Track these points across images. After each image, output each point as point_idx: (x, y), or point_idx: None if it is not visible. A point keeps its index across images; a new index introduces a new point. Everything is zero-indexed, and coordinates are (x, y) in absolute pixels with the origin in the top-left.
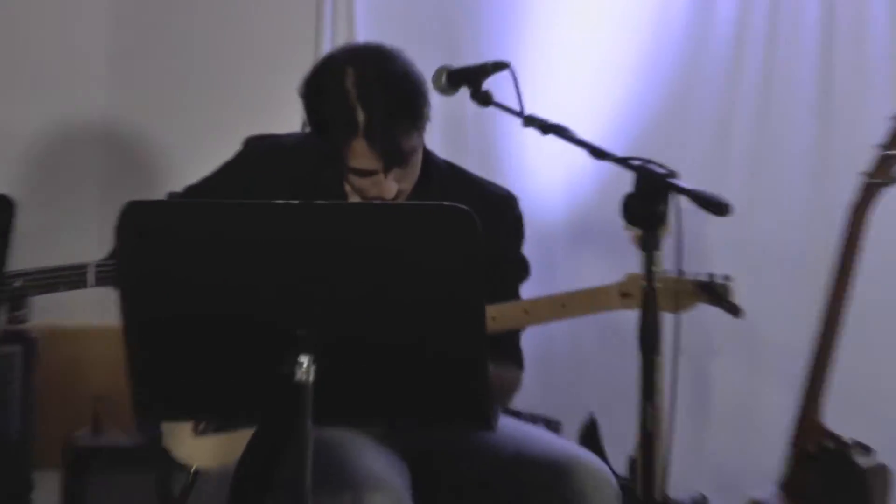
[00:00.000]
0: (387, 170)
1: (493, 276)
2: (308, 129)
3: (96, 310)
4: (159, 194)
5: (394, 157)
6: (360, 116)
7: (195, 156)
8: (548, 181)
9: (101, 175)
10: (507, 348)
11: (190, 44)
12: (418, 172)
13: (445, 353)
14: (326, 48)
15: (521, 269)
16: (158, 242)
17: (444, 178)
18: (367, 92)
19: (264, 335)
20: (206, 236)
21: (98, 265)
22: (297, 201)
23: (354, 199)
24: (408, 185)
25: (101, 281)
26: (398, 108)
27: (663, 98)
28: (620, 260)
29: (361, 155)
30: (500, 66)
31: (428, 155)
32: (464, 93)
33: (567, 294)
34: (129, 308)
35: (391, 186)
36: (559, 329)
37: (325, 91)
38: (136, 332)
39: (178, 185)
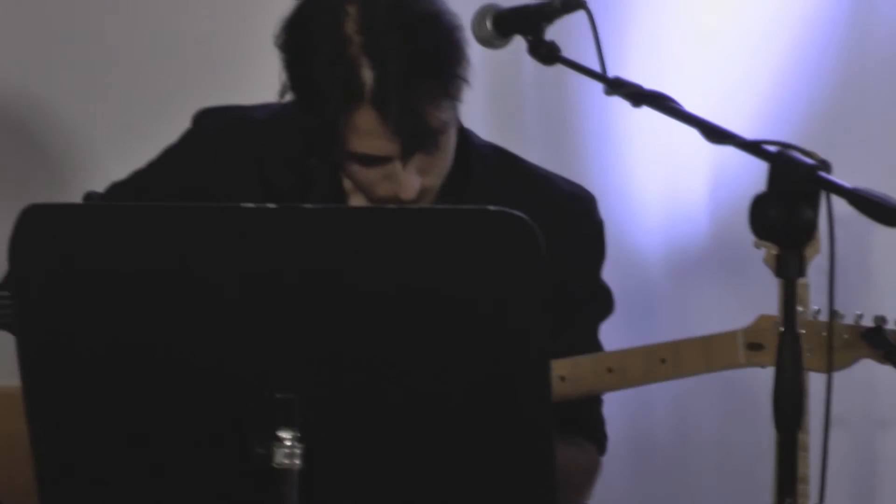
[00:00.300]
0: (406, 155)
1: (561, 312)
2: (287, 98)
3: None
4: (75, 196)
5: (416, 136)
6: (367, 75)
7: (126, 143)
8: (643, 178)
9: None
10: (582, 420)
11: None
12: (450, 162)
13: (489, 423)
14: None
15: (600, 303)
16: (72, 263)
17: (488, 170)
18: (376, 39)
19: (228, 400)
20: (141, 254)
21: None
22: (272, 204)
23: (357, 200)
24: (435, 180)
25: None
26: (422, 62)
27: (821, 96)
28: (748, 293)
29: (368, 132)
30: (573, 4)
31: (466, 137)
32: (518, 45)
33: (670, 344)
34: (31, 361)
35: (412, 181)
36: (658, 393)
37: (313, 39)
38: (41, 397)
39: (101, 183)
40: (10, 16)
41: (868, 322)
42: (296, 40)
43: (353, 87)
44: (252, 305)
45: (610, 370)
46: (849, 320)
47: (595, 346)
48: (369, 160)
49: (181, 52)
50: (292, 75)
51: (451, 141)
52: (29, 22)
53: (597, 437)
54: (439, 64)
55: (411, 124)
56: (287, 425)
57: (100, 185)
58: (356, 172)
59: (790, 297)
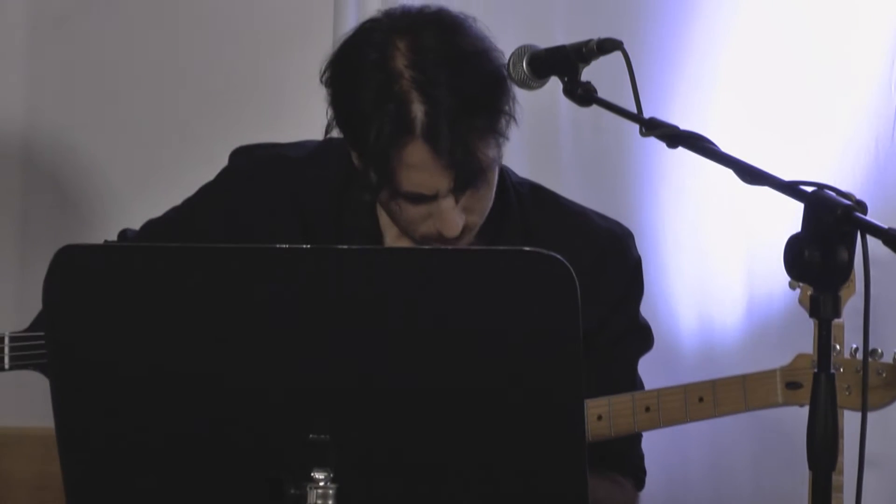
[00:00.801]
0: (457, 191)
1: (601, 349)
2: (333, 134)
3: (14, 405)
4: (100, 237)
5: (466, 173)
6: (418, 109)
7: (157, 184)
8: (675, 214)
9: (20, 212)
10: (620, 455)
11: (143, 28)
12: (491, 201)
13: (523, 462)
14: (351, 22)
15: (639, 338)
16: (105, 303)
17: (526, 207)
18: (426, 74)
19: (260, 441)
20: (173, 294)
21: (15, 338)
22: (307, 245)
23: (392, 236)
24: (477, 217)
25: (19, 360)
26: (472, 98)
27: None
28: (788, 333)
29: (419, 168)
30: (609, 45)
31: (504, 174)
32: (556, 84)
33: (708, 383)
34: (64, 400)
35: (456, 219)
36: (692, 432)
37: (362, 74)
38: (74, 437)
39: (135, 221)
40: (42, 59)
41: None
42: (344, 76)
43: (404, 121)
44: (285, 345)
45: (647, 409)
46: (887, 359)
47: (634, 381)
48: (418, 198)
49: (213, 92)
50: (340, 111)
51: (495, 179)
52: (61, 66)
53: (634, 473)
54: (488, 100)
55: (463, 159)
56: (321, 466)
57: (132, 223)
58: (401, 209)
59: (825, 338)
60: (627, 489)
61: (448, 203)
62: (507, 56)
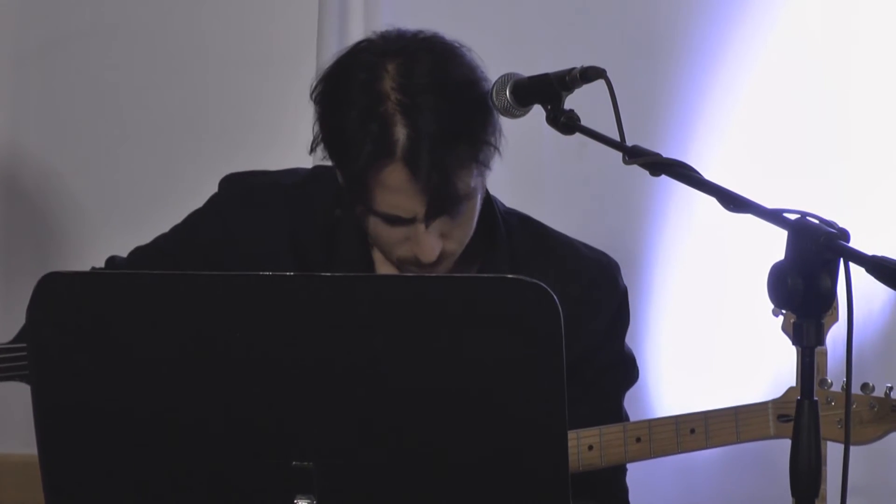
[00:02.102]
0: (430, 217)
1: (586, 379)
2: (315, 153)
3: None
4: (85, 263)
5: (443, 197)
6: (400, 133)
7: (142, 210)
8: (659, 242)
9: (3, 239)
10: (605, 485)
11: (127, 56)
12: (472, 230)
13: (508, 495)
14: (334, 48)
15: (625, 370)
16: (89, 330)
17: (513, 237)
18: (412, 98)
19: (243, 468)
20: (157, 321)
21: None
22: (292, 273)
23: (384, 265)
24: (456, 245)
25: (5, 372)
26: (456, 125)
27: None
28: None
29: (396, 189)
30: (592, 73)
31: (491, 203)
32: (536, 114)
33: (700, 414)
34: (48, 427)
35: (432, 245)
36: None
37: (350, 93)
38: (57, 465)
39: (122, 248)
40: (27, 86)
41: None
42: (332, 94)
43: (385, 143)
44: (269, 372)
45: (638, 440)
46: (878, 393)
47: (619, 413)
48: (393, 219)
49: (198, 119)
50: (325, 127)
51: (476, 209)
52: (45, 94)
53: (620, 499)
54: (472, 129)
55: (439, 185)
56: (304, 493)
57: (120, 250)
58: (379, 231)
59: (808, 366)
60: None
61: (423, 228)
62: (490, 79)
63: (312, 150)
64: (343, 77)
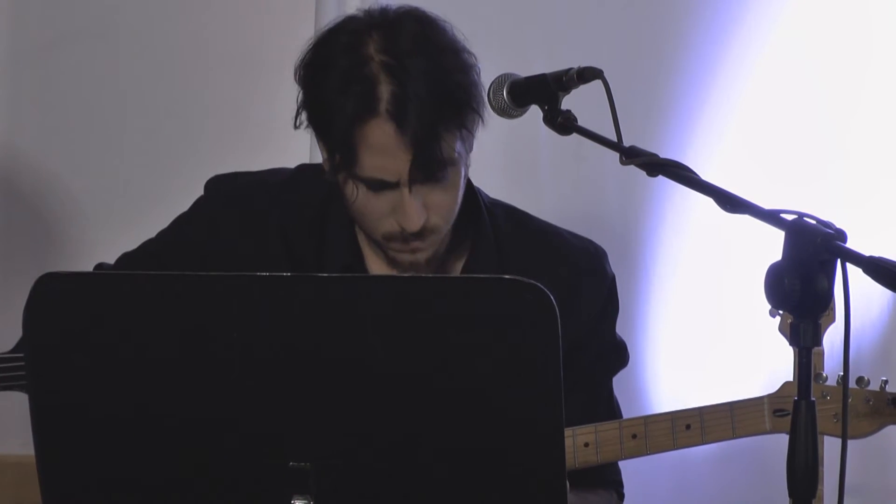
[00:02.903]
0: (413, 179)
1: (576, 367)
2: (302, 123)
3: None
4: (83, 264)
5: (427, 159)
6: (384, 90)
7: (138, 212)
8: (656, 242)
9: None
10: (599, 470)
11: (124, 58)
12: (457, 205)
13: (506, 493)
14: None
15: (615, 356)
16: (85, 331)
17: (499, 227)
18: (399, 59)
19: (239, 468)
20: (153, 322)
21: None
22: (287, 273)
23: (373, 262)
24: (440, 220)
25: (5, 382)
26: (443, 87)
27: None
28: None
29: (381, 148)
30: (589, 74)
31: (475, 193)
32: (533, 115)
33: (695, 410)
34: (44, 428)
35: (417, 210)
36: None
37: (332, 58)
38: (54, 464)
39: (111, 253)
40: (23, 86)
41: (894, 388)
42: (314, 62)
43: (368, 100)
44: (265, 372)
45: (634, 436)
46: (874, 387)
47: (611, 400)
48: (377, 184)
49: (195, 121)
50: (308, 95)
51: (460, 180)
52: (42, 93)
53: (615, 487)
54: (459, 93)
55: (424, 142)
56: (301, 494)
57: (109, 256)
58: (364, 203)
59: (805, 366)
60: (614, 501)
61: (407, 191)
62: (487, 80)
63: (296, 123)
64: (325, 45)
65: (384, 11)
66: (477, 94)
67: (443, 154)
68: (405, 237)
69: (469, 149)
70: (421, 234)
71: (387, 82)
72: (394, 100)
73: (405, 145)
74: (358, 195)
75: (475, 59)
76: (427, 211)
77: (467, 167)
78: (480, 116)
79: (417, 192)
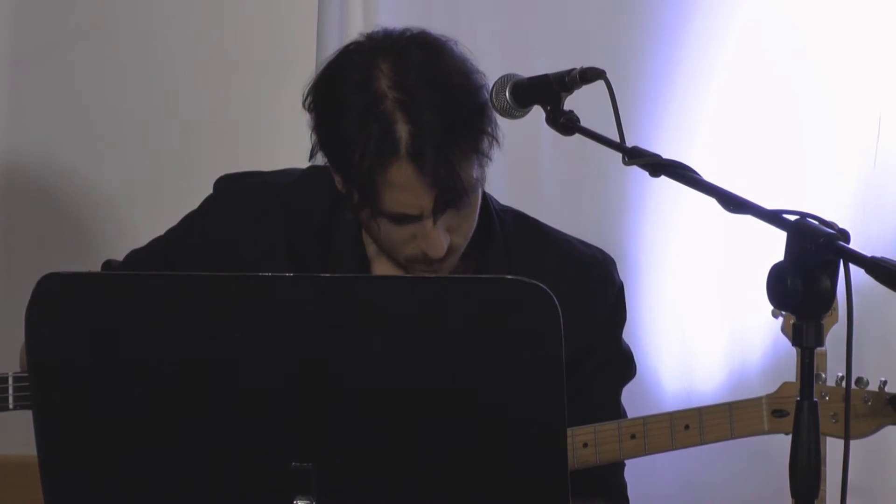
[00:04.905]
0: (437, 211)
1: (583, 376)
2: (317, 159)
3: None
4: (85, 264)
5: (450, 192)
6: (402, 129)
7: (142, 211)
8: (658, 243)
9: (2, 240)
10: (605, 482)
11: (127, 58)
12: (475, 223)
13: (508, 494)
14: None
15: (622, 367)
16: (90, 333)
17: (509, 233)
18: (410, 94)
19: (242, 469)
20: (158, 323)
21: (18, 378)
22: (291, 274)
23: (379, 264)
24: (461, 239)
25: (23, 401)
26: (456, 117)
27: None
28: (772, 361)
29: (403, 187)
30: (591, 74)
31: (487, 201)
32: (536, 115)
33: (694, 410)
34: (48, 429)
35: (441, 239)
36: (669, 458)
37: (346, 96)
38: (57, 464)
39: (113, 253)
40: (34, 83)
41: (893, 388)
42: (327, 98)
43: (389, 141)
44: (269, 373)
45: (633, 436)
46: (873, 387)
47: (618, 409)
48: (402, 218)
49: (198, 121)
50: (324, 134)
51: (478, 201)
52: (44, 93)
53: (619, 500)
54: (471, 120)
55: (446, 178)
56: (303, 494)
57: (117, 253)
58: (385, 232)
59: (808, 367)
60: None
61: (431, 223)
62: (489, 80)
63: (312, 157)
64: (336, 80)
65: (388, 36)
66: (489, 116)
67: (463, 184)
68: (429, 261)
69: (485, 169)
70: (444, 257)
71: (403, 121)
72: (412, 139)
73: (427, 185)
74: (379, 225)
75: (483, 77)
76: (449, 235)
77: (484, 182)
78: (496, 138)
79: (442, 221)
